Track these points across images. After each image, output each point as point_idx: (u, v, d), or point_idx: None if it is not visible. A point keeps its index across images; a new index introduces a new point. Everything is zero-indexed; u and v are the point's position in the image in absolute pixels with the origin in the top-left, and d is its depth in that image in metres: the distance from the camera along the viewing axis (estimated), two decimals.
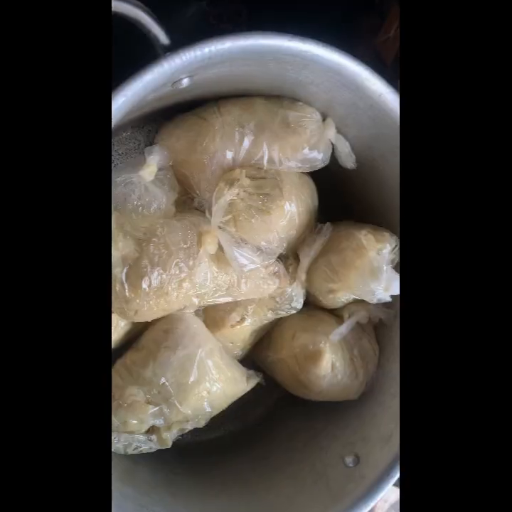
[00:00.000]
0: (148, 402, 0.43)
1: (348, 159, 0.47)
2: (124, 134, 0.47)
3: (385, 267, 0.45)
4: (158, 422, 0.43)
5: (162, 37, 0.30)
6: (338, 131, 0.46)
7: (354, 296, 0.49)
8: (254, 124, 0.43)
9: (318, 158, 0.45)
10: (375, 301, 0.46)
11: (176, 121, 0.46)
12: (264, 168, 0.44)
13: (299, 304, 0.50)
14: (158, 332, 0.44)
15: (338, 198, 0.57)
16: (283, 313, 0.50)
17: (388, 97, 0.40)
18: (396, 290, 0.46)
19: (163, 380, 0.43)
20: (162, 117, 0.48)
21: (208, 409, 0.45)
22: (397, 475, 0.43)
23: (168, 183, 0.43)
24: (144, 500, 0.38)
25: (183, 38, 0.54)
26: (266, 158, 0.43)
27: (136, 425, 0.43)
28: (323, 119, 0.46)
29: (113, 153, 0.47)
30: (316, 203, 0.50)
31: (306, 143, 0.44)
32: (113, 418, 0.42)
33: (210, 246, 0.41)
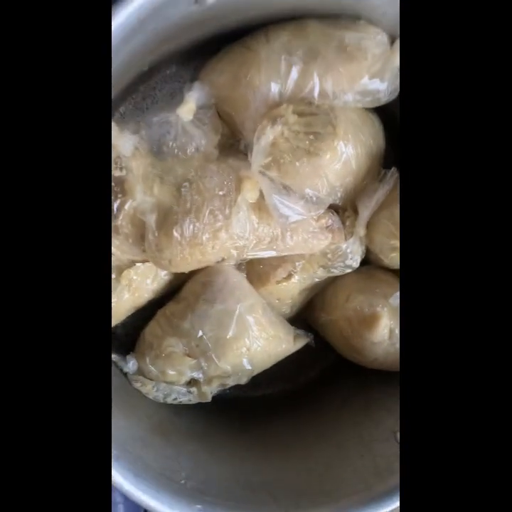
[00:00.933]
0: (187, 355, 0.42)
1: None
2: (168, 72, 0.44)
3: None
4: (197, 375, 0.42)
5: None
6: None
7: None
8: (304, 50, 0.37)
9: (382, 89, 0.38)
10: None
11: (221, 54, 0.42)
12: (316, 102, 0.38)
13: (355, 262, 0.44)
14: (197, 284, 0.42)
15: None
16: (336, 272, 0.45)
17: None
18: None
19: (200, 333, 0.41)
20: (209, 52, 0.43)
21: (249, 367, 0.42)
22: None
23: (210, 123, 0.40)
24: (172, 451, 0.38)
25: None
26: (317, 90, 0.37)
27: (175, 376, 0.42)
28: (392, 42, 0.38)
29: (156, 93, 0.44)
30: (382, 145, 0.43)
31: (367, 71, 0.37)
32: (151, 367, 0.42)
33: (249, 193, 0.37)
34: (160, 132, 0.38)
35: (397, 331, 0.43)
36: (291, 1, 0.37)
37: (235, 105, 0.40)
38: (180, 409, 0.44)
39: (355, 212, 0.44)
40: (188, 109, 0.38)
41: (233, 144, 0.43)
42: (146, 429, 0.39)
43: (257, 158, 0.36)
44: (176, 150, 0.38)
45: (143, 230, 0.38)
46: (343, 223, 0.43)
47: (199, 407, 0.44)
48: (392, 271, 0.46)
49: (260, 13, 0.38)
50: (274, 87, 0.38)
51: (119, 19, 0.24)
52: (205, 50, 0.43)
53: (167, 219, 0.37)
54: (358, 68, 0.37)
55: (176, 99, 0.44)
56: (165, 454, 0.37)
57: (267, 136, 0.36)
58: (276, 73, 0.38)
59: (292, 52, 0.37)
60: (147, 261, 0.40)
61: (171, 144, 0.38)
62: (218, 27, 0.39)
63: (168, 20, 0.29)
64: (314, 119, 0.37)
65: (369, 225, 0.43)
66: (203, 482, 0.36)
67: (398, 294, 0.43)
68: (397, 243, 0.43)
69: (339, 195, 0.41)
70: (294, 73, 0.37)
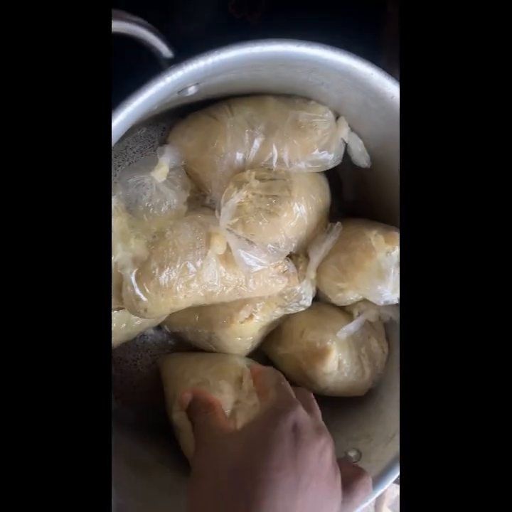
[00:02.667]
0: None
1: (361, 158, 0.46)
2: (139, 132, 0.48)
3: (392, 270, 0.45)
4: None
5: (165, 50, 0.30)
6: (351, 129, 0.45)
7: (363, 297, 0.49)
8: (264, 125, 0.43)
9: (329, 158, 0.44)
10: (382, 302, 0.46)
11: (188, 120, 0.47)
12: (274, 169, 0.44)
13: (307, 301, 0.51)
14: None
15: (354, 194, 0.56)
16: (292, 310, 0.51)
17: None
18: None
19: None
20: (176, 115, 0.48)
21: None
22: (397, 473, 0.44)
23: (180, 182, 0.44)
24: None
25: (198, 31, 0.54)
26: (275, 159, 0.43)
27: None
28: (336, 118, 0.45)
29: (127, 151, 0.48)
30: (328, 201, 0.50)
31: (317, 144, 0.43)
32: None
33: (217, 247, 0.42)
34: (136, 193, 0.42)
35: (345, 362, 0.49)
36: (252, 85, 0.43)
37: (202, 167, 0.45)
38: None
39: (307, 257, 0.50)
40: (161, 172, 0.42)
41: (199, 197, 0.48)
42: None
43: (225, 217, 0.42)
44: (150, 209, 0.42)
45: (120, 281, 0.41)
46: (297, 267, 0.50)
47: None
48: (339, 307, 0.53)
49: (227, 92, 0.43)
50: (239, 155, 0.43)
51: (116, 121, 0.29)
52: (172, 113, 0.48)
53: (144, 272, 0.40)
54: (309, 141, 0.43)
55: (144, 158, 0.48)
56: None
57: (233, 200, 0.41)
58: (240, 143, 0.43)
59: (254, 126, 0.43)
60: (122, 308, 0.43)
61: (146, 203, 0.42)
62: (189, 99, 0.44)
63: (149, 105, 0.33)
64: (273, 183, 0.43)
65: (318, 270, 0.50)
66: None
67: (345, 328, 0.50)
68: (342, 285, 0.49)
69: (294, 245, 0.47)
70: (256, 144, 0.43)
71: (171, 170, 0.43)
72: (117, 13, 0.26)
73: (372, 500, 0.45)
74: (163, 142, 0.48)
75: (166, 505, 0.41)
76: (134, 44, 0.29)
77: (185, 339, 0.52)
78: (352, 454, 0.47)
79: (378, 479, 0.44)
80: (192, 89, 0.34)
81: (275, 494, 0.27)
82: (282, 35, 0.50)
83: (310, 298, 0.51)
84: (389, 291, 0.45)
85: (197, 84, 0.34)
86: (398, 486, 0.55)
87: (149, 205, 0.42)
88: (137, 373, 0.52)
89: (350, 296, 0.50)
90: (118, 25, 0.26)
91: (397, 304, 0.51)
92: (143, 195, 0.42)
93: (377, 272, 0.45)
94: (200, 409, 0.34)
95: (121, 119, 0.29)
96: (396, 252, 0.46)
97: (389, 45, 0.65)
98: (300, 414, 0.31)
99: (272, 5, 0.57)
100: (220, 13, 0.56)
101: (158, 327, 0.52)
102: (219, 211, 0.43)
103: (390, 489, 0.57)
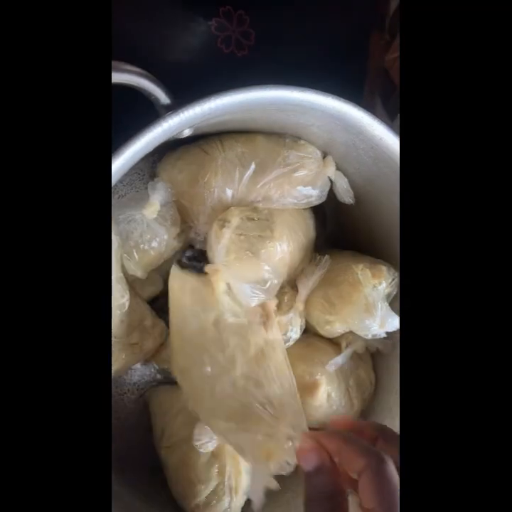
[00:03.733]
0: None
1: (345, 195, 0.47)
2: None
3: (379, 304, 0.46)
4: None
5: (163, 98, 0.31)
6: (338, 167, 0.46)
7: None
8: (254, 163, 0.43)
9: (314, 194, 0.45)
10: (370, 336, 0.47)
11: (179, 153, 0.47)
12: (261, 205, 0.44)
13: (296, 333, 0.51)
14: None
15: (342, 229, 0.57)
16: None
17: (389, 141, 0.40)
18: (391, 327, 0.46)
19: None
20: (165, 148, 0.48)
21: None
22: None
23: (171, 219, 0.44)
24: None
25: (188, 70, 0.55)
26: (262, 196, 0.44)
27: None
28: (324, 156, 0.46)
29: (118, 183, 0.48)
30: (312, 236, 0.50)
31: (302, 181, 0.44)
32: None
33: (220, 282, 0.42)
34: (127, 229, 0.42)
35: (334, 395, 0.50)
36: (244, 124, 0.43)
37: (191, 200, 0.46)
38: None
39: (293, 289, 0.50)
40: (153, 209, 0.42)
41: (184, 229, 0.48)
42: None
43: (220, 255, 0.42)
44: (141, 245, 0.42)
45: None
46: (282, 298, 0.50)
47: None
48: (328, 339, 0.53)
49: (218, 129, 0.44)
50: (228, 191, 0.44)
51: (115, 167, 0.29)
52: (162, 146, 0.48)
53: None
54: (297, 180, 0.44)
55: (135, 193, 0.48)
56: None
57: (225, 240, 0.41)
58: (230, 179, 0.44)
59: (244, 163, 0.43)
60: None
61: (137, 239, 0.42)
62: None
63: (146, 150, 0.33)
64: (256, 224, 0.44)
65: (307, 302, 0.50)
66: None
67: (333, 361, 0.50)
68: (330, 318, 0.50)
69: (276, 282, 0.47)
70: (245, 181, 0.44)
71: (162, 206, 0.44)
72: (117, 64, 0.26)
73: None
74: (153, 175, 0.48)
75: None
76: (133, 91, 0.30)
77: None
78: None
79: None
80: (187, 132, 0.35)
81: None
82: (270, 72, 0.52)
83: (299, 330, 0.51)
84: (376, 325, 0.46)
85: (192, 127, 0.35)
86: None
87: (140, 241, 0.42)
88: (125, 408, 0.51)
89: (338, 328, 0.50)
90: (119, 77, 0.27)
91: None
92: (134, 231, 0.42)
93: (365, 306, 0.46)
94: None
95: (119, 165, 0.29)
96: (383, 286, 0.47)
97: (370, 81, 0.67)
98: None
99: (259, 41, 0.59)
100: (209, 48, 0.57)
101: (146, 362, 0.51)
102: (210, 249, 0.43)
103: None
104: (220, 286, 0.41)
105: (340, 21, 0.63)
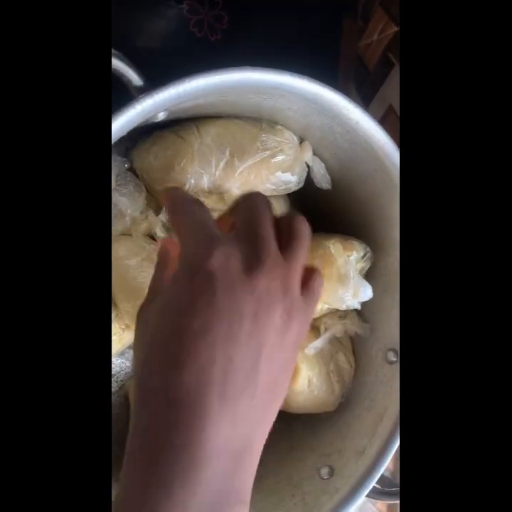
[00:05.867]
0: None
1: (323, 180, 0.47)
2: None
3: (352, 274, 0.46)
4: None
5: (135, 79, 0.30)
6: (315, 152, 0.46)
7: (327, 305, 0.50)
8: (232, 148, 0.43)
9: (292, 180, 0.45)
10: (344, 307, 0.47)
11: (154, 138, 0.46)
12: (238, 192, 0.44)
13: None
14: None
15: (319, 215, 0.57)
16: None
17: (365, 124, 0.40)
18: (364, 297, 0.47)
19: None
20: (139, 135, 0.47)
21: None
22: (369, 487, 0.45)
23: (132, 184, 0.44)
24: None
25: (160, 55, 0.53)
26: (241, 182, 0.43)
27: None
28: (300, 142, 0.46)
29: None
30: None
31: (280, 167, 0.44)
32: None
33: None
34: None
35: (315, 380, 0.50)
36: (219, 109, 0.43)
37: (166, 186, 0.45)
38: None
39: None
40: None
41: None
42: None
43: None
44: None
45: None
46: None
47: None
48: None
49: (194, 114, 0.43)
50: (205, 176, 0.43)
51: None
52: (135, 132, 0.47)
53: None
54: (275, 165, 0.44)
55: None
56: None
57: None
58: (207, 165, 0.43)
59: (222, 149, 0.43)
60: None
61: None
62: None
63: (120, 134, 0.32)
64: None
65: None
66: None
67: (312, 344, 0.50)
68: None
69: None
70: (222, 165, 0.43)
71: (116, 176, 0.42)
72: None
73: None
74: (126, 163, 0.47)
75: None
76: None
77: None
78: (324, 470, 0.48)
79: (351, 495, 0.45)
80: (161, 115, 0.34)
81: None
82: (243, 56, 0.51)
83: None
84: (350, 295, 0.46)
85: (166, 110, 0.34)
86: (374, 503, 0.56)
87: None
88: None
89: None
90: None
91: (362, 319, 0.52)
92: None
93: (338, 278, 0.46)
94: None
95: None
96: (354, 257, 0.47)
97: (343, 67, 0.67)
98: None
99: (232, 24, 0.58)
100: (182, 32, 0.56)
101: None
102: None
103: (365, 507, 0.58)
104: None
105: (313, 7, 0.63)
